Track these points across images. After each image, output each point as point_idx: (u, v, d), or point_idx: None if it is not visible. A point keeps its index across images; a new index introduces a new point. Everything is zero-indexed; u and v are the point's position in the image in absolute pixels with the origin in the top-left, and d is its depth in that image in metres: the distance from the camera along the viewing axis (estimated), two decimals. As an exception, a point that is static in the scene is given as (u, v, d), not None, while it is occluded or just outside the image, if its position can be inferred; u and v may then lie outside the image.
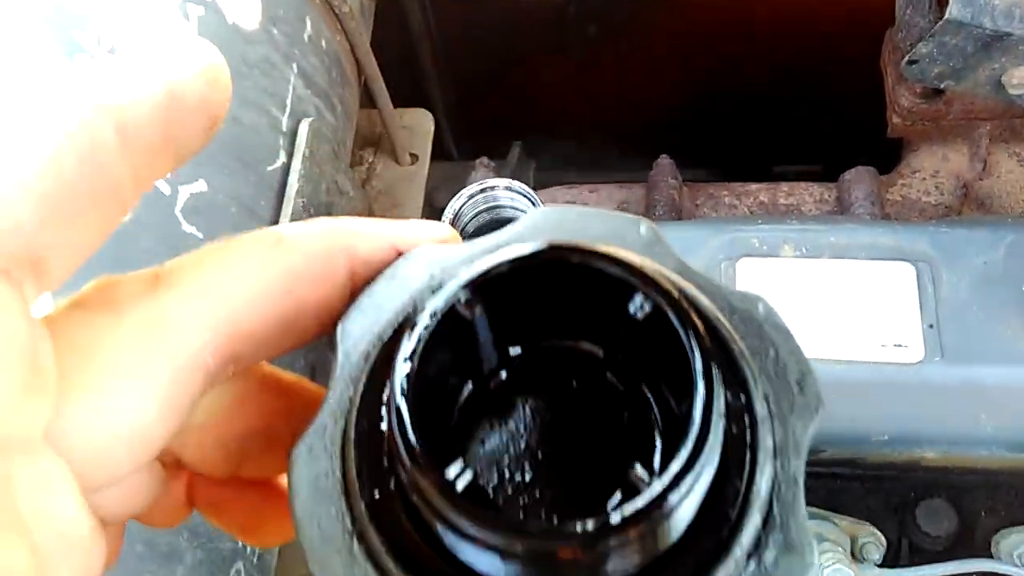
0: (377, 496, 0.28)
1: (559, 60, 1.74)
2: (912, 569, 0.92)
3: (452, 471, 0.26)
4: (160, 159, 0.26)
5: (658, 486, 0.24)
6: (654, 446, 0.30)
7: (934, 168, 1.22)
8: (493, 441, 0.31)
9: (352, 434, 0.29)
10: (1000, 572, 0.92)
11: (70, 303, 0.28)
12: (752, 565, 0.27)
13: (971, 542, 1.04)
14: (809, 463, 0.96)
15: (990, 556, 0.97)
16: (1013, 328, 0.93)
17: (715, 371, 0.26)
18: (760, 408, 0.28)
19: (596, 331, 0.31)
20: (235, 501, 0.36)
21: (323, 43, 1.07)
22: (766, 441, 0.28)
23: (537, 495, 0.30)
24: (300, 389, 0.35)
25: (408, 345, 0.27)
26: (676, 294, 0.28)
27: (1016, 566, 0.92)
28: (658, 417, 0.30)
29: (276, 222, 0.95)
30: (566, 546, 0.24)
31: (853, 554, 0.95)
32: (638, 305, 0.28)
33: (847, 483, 1.05)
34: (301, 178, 0.97)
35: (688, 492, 0.25)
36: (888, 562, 0.99)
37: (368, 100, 1.26)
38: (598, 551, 0.25)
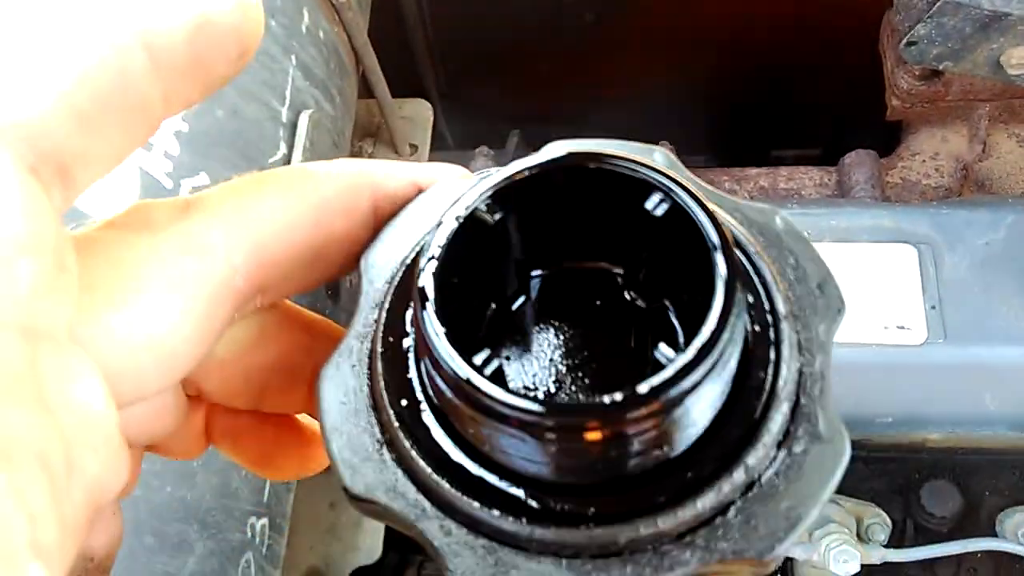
0: (405, 404, 0.29)
1: (556, 48, 1.73)
2: (917, 549, 0.93)
3: (479, 358, 0.27)
4: (190, 83, 0.27)
5: (682, 359, 0.25)
6: (678, 346, 0.30)
7: (934, 150, 1.22)
8: (519, 350, 0.32)
9: (379, 350, 0.30)
10: (1004, 550, 0.93)
11: (105, 224, 0.29)
12: (783, 454, 0.27)
13: (975, 522, 1.04)
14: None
15: (994, 535, 0.97)
16: (1015, 308, 0.93)
17: (735, 257, 0.27)
18: (782, 307, 0.29)
19: (617, 248, 0.31)
20: (252, 434, 0.37)
21: (321, 34, 1.07)
22: (790, 337, 0.28)
23: (563, 387, 0.31)
24: (323, 326, 0.36)
25: (434, 243, 0.28)
26: (692, 188, 0.28)
27: (1020, 544, 0.93)
28: (679, 328, 0.30)
29: (278, 214, 0.95)
30: (594, 419, 0.24)
31: (859, 535, 0.95)
32: (656, 202, 0.28)
33: (852, 465, 1.05)
34: (302, 170, 0.97)
35: (712, 368, 0.25)
36: (893, 542, 0.99)
37: (366, 91, 1.26)
38: (626, 427, 0.25)
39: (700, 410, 0.26)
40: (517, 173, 0.29)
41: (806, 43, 1.51)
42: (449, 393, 0.27)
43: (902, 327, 0.94)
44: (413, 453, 0.28)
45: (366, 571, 1.18)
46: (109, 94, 0.25)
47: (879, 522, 0.96)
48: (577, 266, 0.32)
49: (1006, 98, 1.16)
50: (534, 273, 0.32)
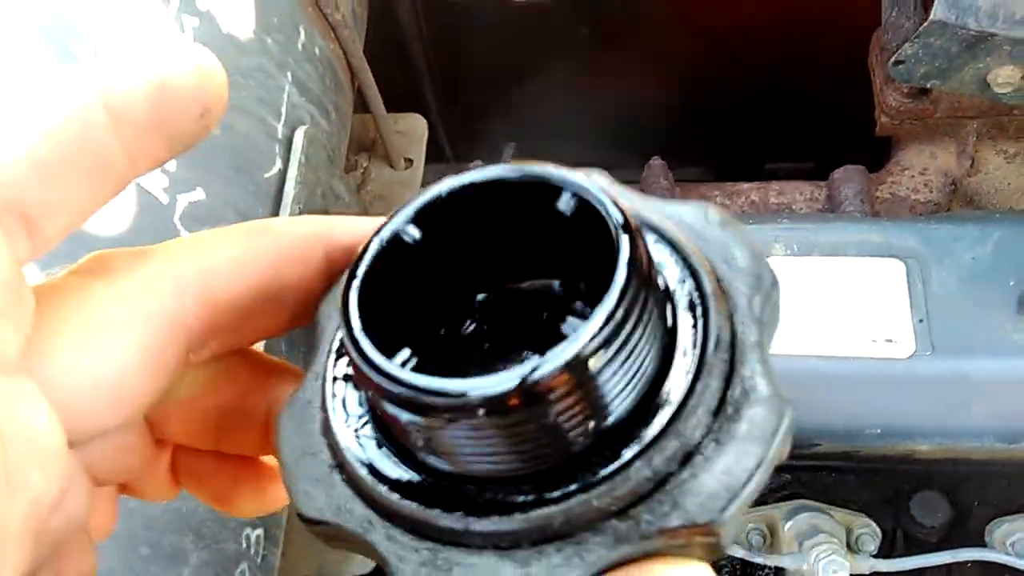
0: (350, 427, 0.31)
1: (550, 62, 1.75)
2: (907, 559, 0.93)
3: (399, 357, 0.28)
4: (154, 142, 0.29)
5: (588, 325, 0.25)
6: None
7: (923, 165, 1.24)
8: (464, 366, 0.32)
9: (329, 382, 0.32)
10: (993, 560, 0.94)
11: (67, 271, 0.31)
12: (719, 421, 0.27)
13: (965, 532, 1.05)
14: (804, 457, 0.98)
15: (983, 545, 0.98)
16: (1002, 321, 0.95)
17: (636, 229, 0.27)
18: (708, 286, 0.30)
19: (549, 260, 0.32)
20: (213, 473, 0.39)
21: (316, 51, 1.08)
22: (717, 312, 0.29)
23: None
24: (281, 368, 0.38)
25: (360, 264, 0.30)
26: (597, 186, 0.29)
27: (1009, 554, 0.94)
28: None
29: (274, 228, 0.96)
30: (509, 393, 0.25)
31: (849, 545, 0.96)
32: (566, 200, 0.29)
33: (842, 476, 1.07)
34: (297, 184, 0.98)
35: (620, 331, 0.26)
36: (883, 553, 1.00)
37: (362, 106, 1.27)
38: (542, 398, 0.25)
39: (617, 379, 0.26)
40: (435, 193, 0.31)
41: (798, 58, 1.53)
42: (375, 393, 0.28)
43: (890, 340, 0.95)
44: (359, 470, 0.29)
45: (361, 582, 1.18)
46: (71, 150, 0.27)
47: (869, 532, 0.97)
48: (518, 285, 0.33)
49: (994, 115, 1.18)
50: (478, 297, 0.33)
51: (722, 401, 0.28)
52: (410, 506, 0.28)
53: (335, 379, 0.32)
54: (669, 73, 1.71)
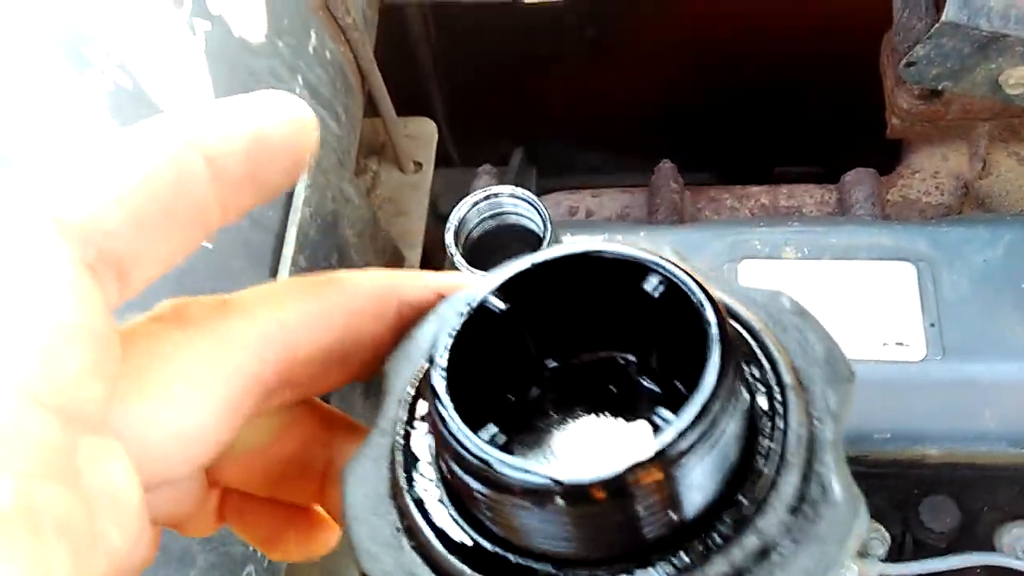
0: (422, 491, 0.31)
1: (559, 65, 1.75)
2: (916, 563, 0.93)
3: (486, 433, 0.28)
4: (245, 192, 0.30)
5: (680, 419, 0.26)
6: None
7: (934, 168, 1.23)
8: (534, 439, 0.33)
9: (399, 443, 0.32)
10: (1002, 565, 0.93)
11: (148, 317, 0.31)
12: (797, 519, 0.27)
13: (974, 537, 1.05)
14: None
15: (992, 550, 0.98)
16: (1013, 325, 0.94)
17: (727, 323, 0.28)
18: (787, 377, 0.30)
19: (626, 335, 0.33)
20: (262, 516, 0.39)
21: (327, 54, 1.09)
22: (797, 406, 0.29)
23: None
24: (344, 422, 0.38)
25: (444, 337, 0.30)
26: (687, 269, 0.29)
27: (1019, 559, 0.93)
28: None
29: (283, 232, 0.96)
30: (596, 484, 0.25)
31: (858, 550, 0.96)
32: (654, 284, 0.30)
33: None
34: (307, 188, 0.98)
35: (711, 427, 0.26)
36: (892, 557, 1.00)
37: (372, 110, 1.27)
38: (629, 490, 0.25)
39: (704, 472, 0.27)
40: (524, 265, 0.31)
41: (808, 60, 1.53)
42: (457, 468, 0.28)
43: (901, 344, 0.95)
44: (429, 537, 0.29)
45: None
46: (168, 200, 0.28)
47: (878, 537, 0.96)
48: (590, 356, 0.34)
49: (1006, 117, 1.17)
50: (549, 365, 0.34)
51: (800, 499, 0.28)
52: None
53: (406, 440, 0.32)
54: (677, 76, 1.71)
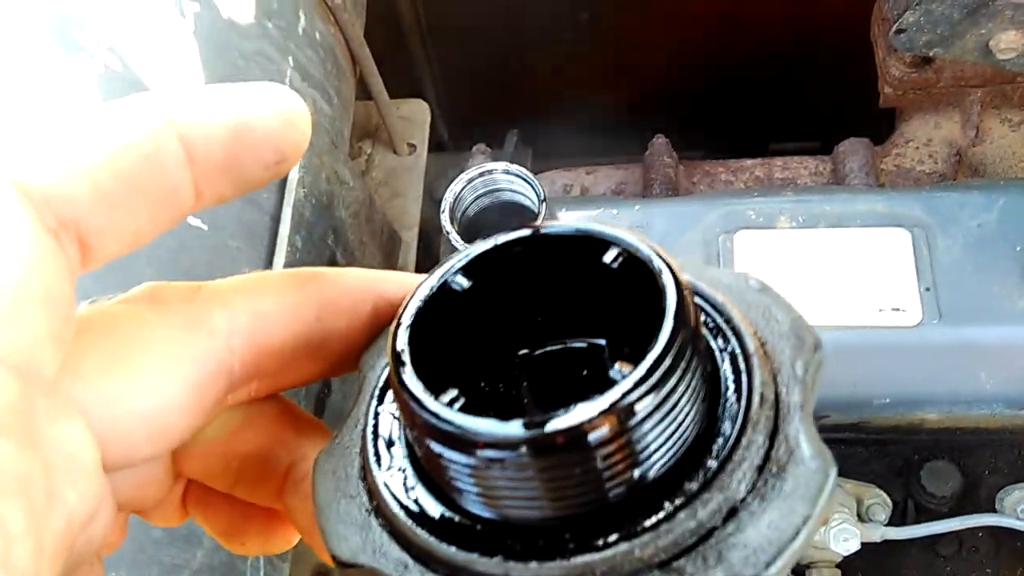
0: (389, 471, 0.31)
1: (552, 46, 1.75)
2: (917, 527, 0.93)
3: (446, 397, 0.28)
4: (222, 181, 0.29)
5: (636, 372, 0.26)
6: None
7: (927, 136, 1.23)
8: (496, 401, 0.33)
9: (369, 428, 0.32)
10: (1002, 525, 0.94)
11: (120, 299, 0.31)
12: (763, 478, 0.28)
13: (975, 501, 1.05)
14: (813, 429, 0.94)
15: (994, 512, 0.98)
16: (1009, 288, 0.94)
17: (684, 284, 0.28)
18: (751, 345, 0.30)
19: (594, 319, 0.33)
20: (223, 510, 0.39)
21: (317, 36, 1.08)
22: (761, 371, 0.29)
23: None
24: (311, 424, 0.38)
25: (409, 308, 0.30)
26: (644, 240, 0.30)
27: (1020, 519, 0.94)
28: None
29: (279, 213, 0.96)
30: (556, 434, 0.25)
31: (859, 515, 0.96)
32: (612, 256, 0.30)
33: (852, 449, 1.07)
34: (301, 169, 0.98)
35: (666, 380, 0.26)
36: (895, 523, 1.00)
37: (364, 92, 1.27)
38: (589, 442, 0.26)
39: (663, 430, 0.27)
40: (487, 245, 0.31)
41: (801, 35, 1.53)
42: (420, 431, 0.28)
43: (897, 309, 0.95)
44: (396, 512, 0.29)
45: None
46: (136, 177, 0.27)
47: (879, 502, 0.97)
48: (561, 343, 0.34)
49: (997, 83, 1.17)
50: (520, 353, 0.34)
51: (767, 458, 0.28)
52: (448, 550, 0.28)
53: (376, 425, 0.32)
54: (670, 57, 1.70)
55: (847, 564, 1.02)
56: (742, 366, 0.30)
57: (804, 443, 0.28)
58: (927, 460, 1.04)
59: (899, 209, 0.99)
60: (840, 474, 1.04)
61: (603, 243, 0.30)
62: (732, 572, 0.26)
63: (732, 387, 0.29)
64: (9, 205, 0.25)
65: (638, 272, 0.29)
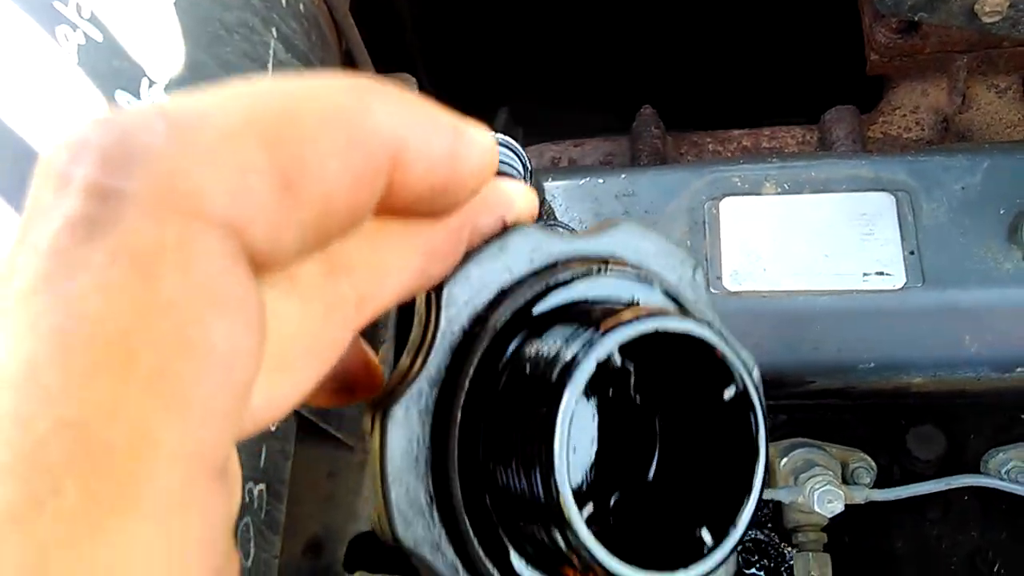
0: (468, 473, 0.31)
1: (542, 21, 1.74)
2: (901, 488, 0.94)
3: (586, 511, 0.30)
4: (412, 212, 0.30)
5: (720, 552, 0.30)
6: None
7: (914, 104, 1.23)
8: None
9: (457, 413, 0.31)
10: (986, 486, 0.94)
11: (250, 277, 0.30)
12: None
13: (962, 465, 1.06)
14: (799, 395, 0.98)
15: (979, 474, 0.99)
16: (993, 250, 0.95)
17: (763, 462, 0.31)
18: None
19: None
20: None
21: (301, 7, 1.08)
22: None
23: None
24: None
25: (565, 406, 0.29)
26: (752, 383, 0.31)
27: (1003, 480, 0.94)
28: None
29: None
30: None
31: (844, 479, 0.97)
32: (732, 392, 0.31)
33: (838, 414, 1.07)
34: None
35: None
36: (881, 487, 1.01)
37: (350, 66, 1.27)
38: None
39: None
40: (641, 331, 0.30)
41: (787, 10, 1.52)
42: (553, 539, 0.29)
43: (881, 273, 0.95)
44: (464, 519, 0.30)
45: (366, 537, 1.20)
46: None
47: (864, 466, 0.97)
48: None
49: (983, 48, 1.17)
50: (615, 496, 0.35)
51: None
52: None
53: (454, 396, 0.31)
54: (660, 30, 1.70)
55: (833, 528, 1.02)
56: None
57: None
58: (913, 424, 1.04)
59: (883, 173, 0.99)
60: (826, 439, 1.04)
61: (730, 376, 0.31)
62: None
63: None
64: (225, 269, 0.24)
65: (743, 407, 0.31)
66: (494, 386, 0.31)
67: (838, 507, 0.91)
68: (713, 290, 0.97)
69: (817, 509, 0.89)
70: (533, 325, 0.32)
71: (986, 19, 1.04)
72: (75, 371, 0.21)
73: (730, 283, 0.97)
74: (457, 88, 1.81)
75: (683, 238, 1.01)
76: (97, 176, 0.23)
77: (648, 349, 0.30)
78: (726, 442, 0.31)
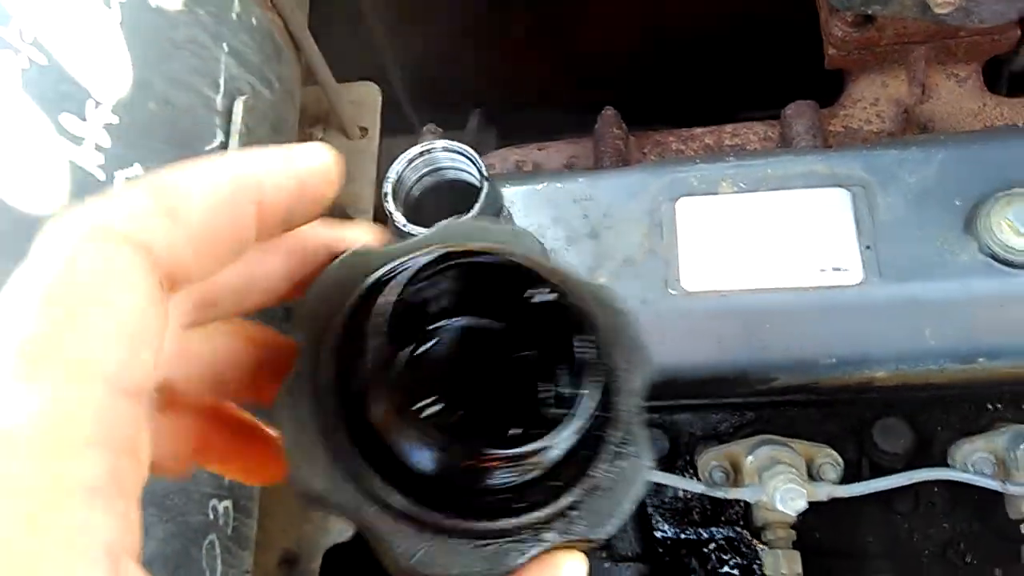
0: (352, 421, 0.36)
1: (515, 25, 1.74)
2: (864, 483, 0.94)
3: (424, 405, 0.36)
4: (277, 227, 0.37)
5: (561, 437, 0.35)
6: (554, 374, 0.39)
7: (874, 96, 1.23)
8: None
9: (325, 379, 0.37)
10: (950, 478, 0.94)
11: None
12: (615, 467, 0.37)
13: (930, 458, 1.06)
14: (764, 392, 0.98)
15: (946, 466, 0.99)
16: (949, 242, 0.95)
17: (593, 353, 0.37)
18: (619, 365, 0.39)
19: (499, 312, 0.41)
20: (228, 448, 0.45)
21: (253, 21, 1.08)
22: (624, 386, 0.39)
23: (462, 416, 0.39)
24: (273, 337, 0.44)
25: (385, 300, 0.36)
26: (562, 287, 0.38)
27: (967, 471, 0.94)
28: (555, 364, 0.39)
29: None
30: (489, 459, 0.34)
31: (811, 475, 0.97)
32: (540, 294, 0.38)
33: (804, 410, 1.07)
34: (240, 155, 0.98)
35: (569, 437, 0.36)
36: (848, 481, 1.01)
37: (310, 79, 1.26)
38: (510, 464, 0.35)
39: (563, 448, 0.36)
40: (446, 256, 0.38)
41: (747, 5, 1.52)
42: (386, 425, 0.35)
43: (838, 269, 0.95)
44: (357, 456, 0.36)
45: (340, 549, 1.19)
46: (223, 230, 0.34)
47: (830, 462, 0.97)
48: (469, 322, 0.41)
49: (940, 39, 1.17)
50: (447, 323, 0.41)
51: (618, 455, 0.38)
52: (402, 500, 0.35)
53: (341, 372, 0.37)
54: (628, 31, 1.70)
55: (803, 525, 1.02)
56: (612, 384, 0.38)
57: (639, 442, 0.38)
58: (879, 418, 1.04)
59: (839, 169, 0.99)
60: (793, 435, 1.04)
61: (533, 280, 0.38)
62: (584, 530, 0.37)
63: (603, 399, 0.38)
64: (133, 265, 0.31)
65: (558, 311, 0.37)
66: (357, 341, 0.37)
67: (801, 505, 0.90)
68: (672, 291, 0.97)
69: (780, 507, 0.89)
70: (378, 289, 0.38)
71: (938, 10, 1.04)
72: None
73: (688, 283, 0.97)
74: (432, 95, 1.81)
75: (642, 240, 1.01)
76: None
77: (509, 307, 0.39)
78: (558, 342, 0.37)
